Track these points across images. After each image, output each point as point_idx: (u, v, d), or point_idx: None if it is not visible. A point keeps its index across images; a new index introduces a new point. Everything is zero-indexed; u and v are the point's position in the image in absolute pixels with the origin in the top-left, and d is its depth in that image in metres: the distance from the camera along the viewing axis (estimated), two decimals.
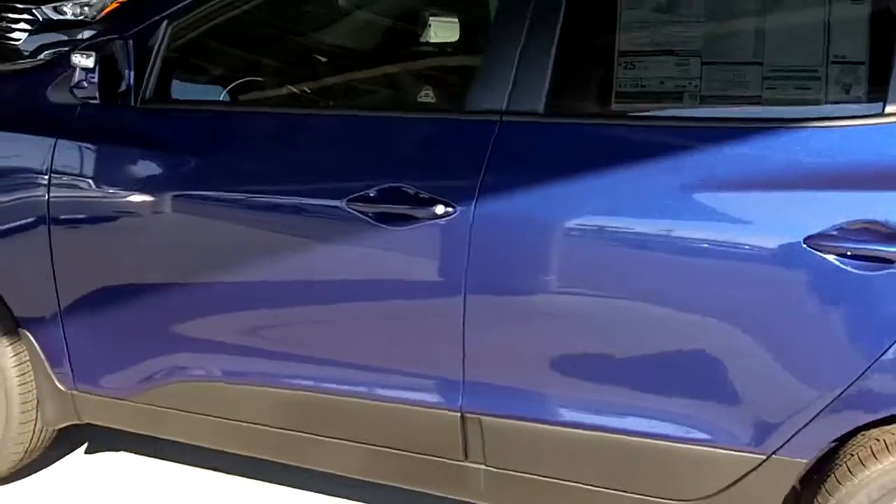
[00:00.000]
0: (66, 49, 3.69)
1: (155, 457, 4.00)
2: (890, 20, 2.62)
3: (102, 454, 4.04)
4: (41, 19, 8.57)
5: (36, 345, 3.49)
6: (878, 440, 2.60)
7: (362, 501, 3.68)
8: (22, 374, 3.53)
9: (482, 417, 2.94)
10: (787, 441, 2.65)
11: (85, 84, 3.26)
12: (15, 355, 3.52)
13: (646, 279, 2.73)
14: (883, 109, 2.57)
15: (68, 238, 3.39)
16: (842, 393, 2.56)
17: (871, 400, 2.56)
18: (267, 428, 3.28)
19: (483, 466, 3.00)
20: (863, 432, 2.63)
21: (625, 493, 2.87)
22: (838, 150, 2.57)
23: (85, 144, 3.40)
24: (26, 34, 8.55)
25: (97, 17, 8.48)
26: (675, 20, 2.86)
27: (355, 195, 2.95)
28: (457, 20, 4.30)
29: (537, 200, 2.79)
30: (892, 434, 2.58)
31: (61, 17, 8.64)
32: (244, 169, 3.23)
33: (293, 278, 3.13)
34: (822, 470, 2.69)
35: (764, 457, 2.68)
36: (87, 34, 3.53)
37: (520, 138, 2.86)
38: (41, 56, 7.66)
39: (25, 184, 3.40)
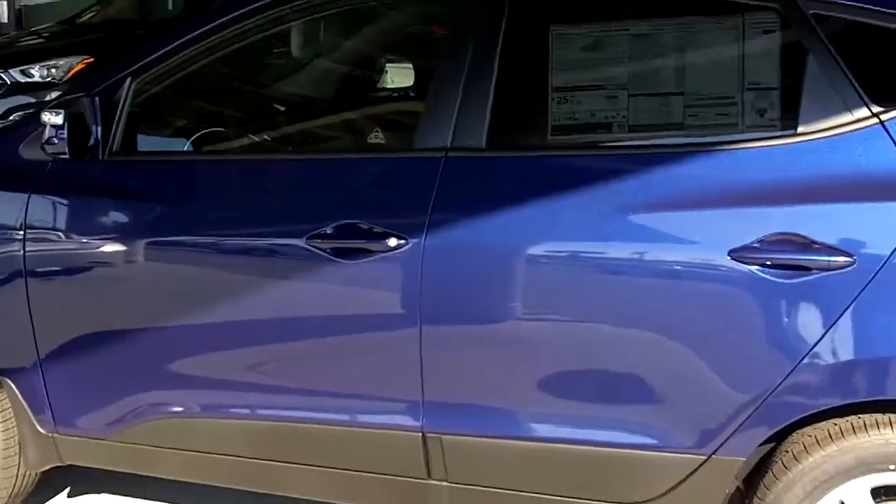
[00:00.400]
0: (35, 109, 3.84)
1: (137, 497, 4.11)
2: (799, 48, 2.82)
3: (85, 496, 4.15)
4: (9, 82, 8.71)
5: (17, 392, 3.62)
6: (809, 436, 2.77)
7: None
8: (4, 421, 3.66)
9: (442, 436, 3.09)
10: (725, 442, 2.81)
11: (55, 140, 3.43)
12: None
13: (588, 298, 2.91)
14: (795, 130, 2.77)
15: (45, 289, 3.53)
16: (770, 394, 2.74)
17: (797, 399, 2.74)
18: (240, 459, 3.41)
19: (445, 483, 3.15)
20: (797, 430, 2.81)
21: (579, 500, 3.03)
22: (756, 170, 2.76)
23: (57, 198, 3.56)
24: None
25: (64, 79, 8.63)
26: (603, 58, 3.06)
27: (313, 233, 3.12)
28: (411, 66, 4.49)
29: (482, 229, 2.97)
30: (822, 430, 2.76)
31: (29, 79, 8.80)
32: (209, 215, 3.39)
33: (259, 315, 3.28)
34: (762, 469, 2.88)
35: (704, 457, 2.85)
36: (55, 95, 3.69)
37: (464, 172, 3.04)
38: (11, 118, 7.82)
39: (1, 239, 3.55)
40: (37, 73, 8.84)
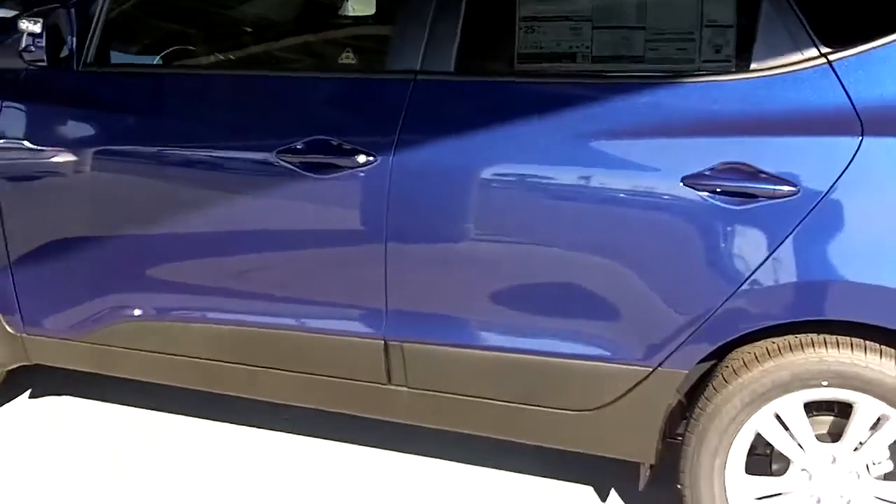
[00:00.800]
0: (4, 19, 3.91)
1: (97, 399, 4.25)
2: None
3: (46, 398, 4.28)
4: None
5: None
6: (748, 353, 2.96)
7: (297, 434, 3.99)
8: None
9: (403, 344, 3.26)
10: (670, 355, 2.99)
11: (32, 48, 3.53)
12: None
13: (548, 218, 3.05)
14: (748, 66, 2.91)
15: (16, 195, 3.65)
16: (714, 312, 2.91)
17: (738, 318, 2.91)
18: (204, 361, 3.57)
19: (405, 388, 3.32)
20: (738, 348, 3.00)
21: (532, 407, 3.21)
22: (710, 102, 2.90)
23: (30, 107, 3.66)
24: None
25: None
26: None
27: (284, 147, 3.23)
28: None
29: (448, 150, 3.10)
30: (761, 348, 2.95)
31: None
32: (179, 127, 3.49)
33: (227, 225, 3.40)
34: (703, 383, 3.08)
35: (651, 369, 3.03)
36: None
37: (432, 94, 3.16)
38: None
39: None
40: None
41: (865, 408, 2.88)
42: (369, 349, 3.29)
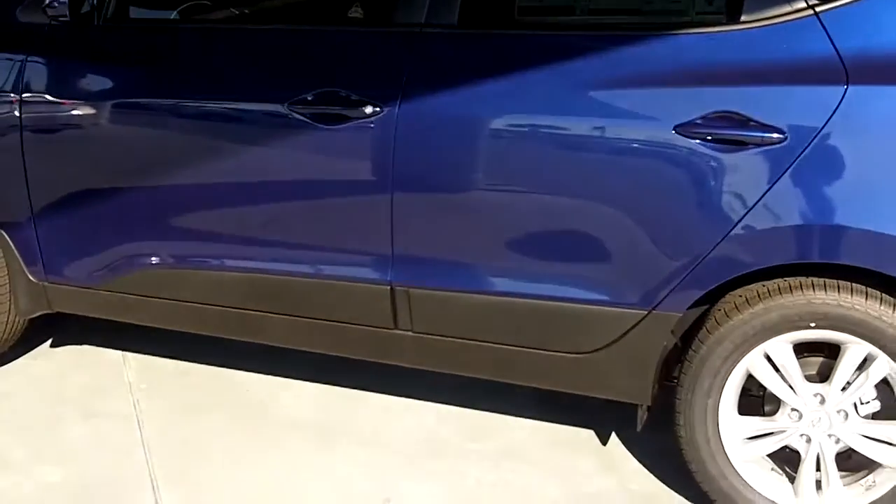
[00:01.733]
0: None
1: (115, 348, 4.38)
2: None
3: (67, 347, 4.41)
4: None
5: (11, 244, 3.87)
6: (739, 297, 3.07)
7: (314, 382, 4.11)
8: None
9: (409, 289, 3.37)
10: (664, 298, 3.10)
11: (56, 4, 3.64)
12: None
13: (546, 166, 3.14)
14: (739, 18, 2.98)
15: (39, 148, 3.75)
16: (705, 257, 3.01)
17: (728, 262, 3.01)
18: (218, 308, 3.69)
19: (410, 333, 3.43)
20: (730, 292, 3.11)
21: (532, 350, 3.32)
22: (702, 53, 2.98)
23: (52, 60, 3.77)
24: None
25: None
26: None
27: (295, 99, 3.34)
28: None
29: (451, 100, 3.19)
30: (752, 291, 3.05)
31: None
32: (196, 79, 3.59)
33: (242, 173, 3.50)
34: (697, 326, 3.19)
35: (646, 312, 3.13)
36: None
37: (437, 47, 3.26)
38: None
39: None
40: None
41: (852, 348, 2.97)
42: (376, 294, 3.40)
